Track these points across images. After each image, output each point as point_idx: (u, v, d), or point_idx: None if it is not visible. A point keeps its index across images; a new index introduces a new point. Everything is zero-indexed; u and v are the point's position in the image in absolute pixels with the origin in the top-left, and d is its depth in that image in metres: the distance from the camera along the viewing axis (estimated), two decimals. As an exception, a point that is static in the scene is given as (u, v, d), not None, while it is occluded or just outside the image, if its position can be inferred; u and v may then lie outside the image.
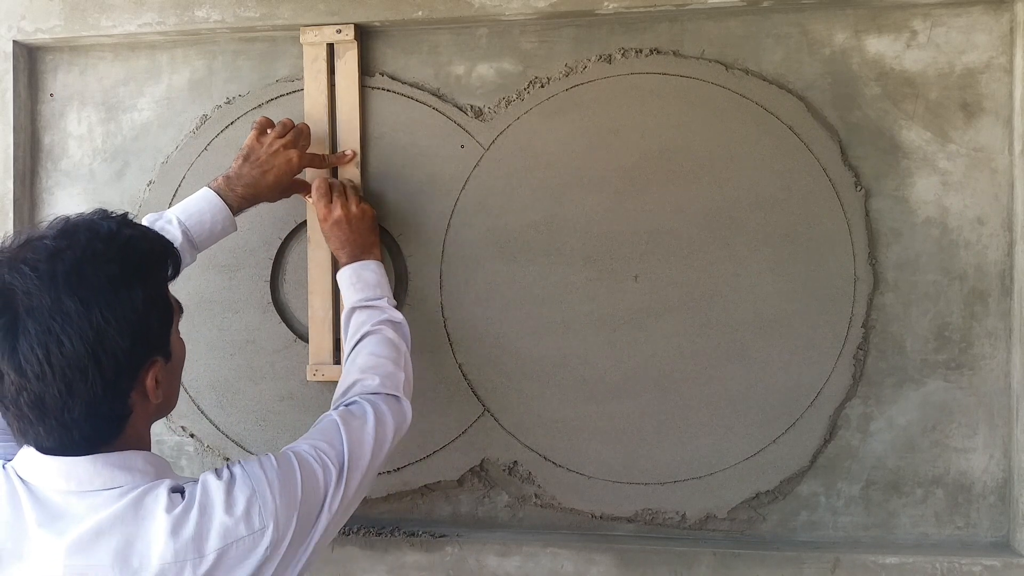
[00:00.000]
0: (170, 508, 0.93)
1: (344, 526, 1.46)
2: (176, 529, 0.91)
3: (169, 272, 1.01)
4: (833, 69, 1.38)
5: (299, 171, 1.39)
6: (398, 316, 1.33)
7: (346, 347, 1.31)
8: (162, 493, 0.94)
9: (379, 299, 1.34)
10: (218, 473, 0.98)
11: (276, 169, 1.36)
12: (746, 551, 1.37)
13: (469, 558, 1.42)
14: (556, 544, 1.41)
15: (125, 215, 0.99)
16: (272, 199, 1.40)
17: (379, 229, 1.45)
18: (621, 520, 1.44)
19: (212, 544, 0.92)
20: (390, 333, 1.29)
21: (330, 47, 1.46)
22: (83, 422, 0.91)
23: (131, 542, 0.91)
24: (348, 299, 1.36)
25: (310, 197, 1.44)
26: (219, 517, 0.93)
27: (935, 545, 1.37)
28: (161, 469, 0.99)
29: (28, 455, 0.95)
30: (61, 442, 0.92)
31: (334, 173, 1.48)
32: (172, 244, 1.03)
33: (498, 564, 1.41)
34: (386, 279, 1.39)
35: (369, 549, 1.44)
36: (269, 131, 1.39)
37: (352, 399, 1.18)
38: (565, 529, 1.46)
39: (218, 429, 1.53)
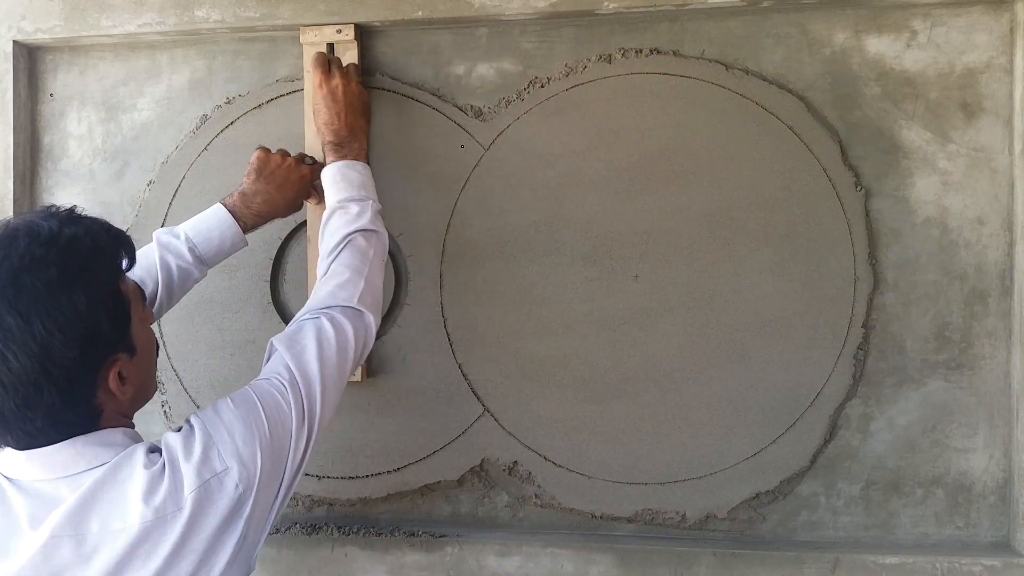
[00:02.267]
0: (148, 465, 0.93)
1: (345, 526, 1.47)
2: (152, 487, 0.91)
3: (124, 264, 0.98)
4: (833, 69, 1.38)
5: (312, 181, 1.40)
6: (375, 223, 1.28)
7: (320, 251, 1.27)
8: (139, 454, 0.94)
9: (362, 199, 1.30)
10: (179, 429, 0.98)
11: (293, 185, 1.37)
12: (746, 551, 1.37)
13: (469, 558, 1.42)
14: (556, 544, 1.41)
15: (71, 210, 0.97)
16: (286, 215, 1.41)
17: (370, 116, 1.43)
18: (621, 520, 1.44)
19: (185, 493, 0.92)
20: (360, 242, 1.25)
21: (331, 47, 1.46)
22: (48, 429, 0.91)
23: (113, 505, 0.91)
24: (330, 198, 1.31)
25: (311, 200, 1.44)
26: (183, 468, 0.93)
27: (935, 545, 1.37)
28: (142, 438, 1.00)
29: (8, 453, 0.95)
30: (30, 447, 0.92)
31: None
32: (122, 232, 1.00)
33: (498, 564, 1.41)
34: (371, 181, 1.35)
35: (369, 549, 1.44)
36: (274, 151, 1.39)
37: (305, 315, 1.15)
38: (565, 529, 1.46)
39: (218, 429, 1.53)
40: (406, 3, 1.42)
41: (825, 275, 1.38)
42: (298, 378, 1.05)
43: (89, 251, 0.93)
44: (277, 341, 1.10)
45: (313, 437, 1.05)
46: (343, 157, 1.34)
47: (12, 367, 0.86)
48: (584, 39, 1.44)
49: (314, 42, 1.45)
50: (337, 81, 1.36)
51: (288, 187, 1.36)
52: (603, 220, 1.43)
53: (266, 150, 1.38)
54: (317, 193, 1.42)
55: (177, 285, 1.31)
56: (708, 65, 1.40)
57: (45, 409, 0.89)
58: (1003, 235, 1.35)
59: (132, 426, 1.01)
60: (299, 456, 1.02)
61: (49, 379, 0.88)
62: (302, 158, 1.40)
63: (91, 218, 0.98)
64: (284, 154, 1.38)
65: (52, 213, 0.95)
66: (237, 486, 0.94)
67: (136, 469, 0.93)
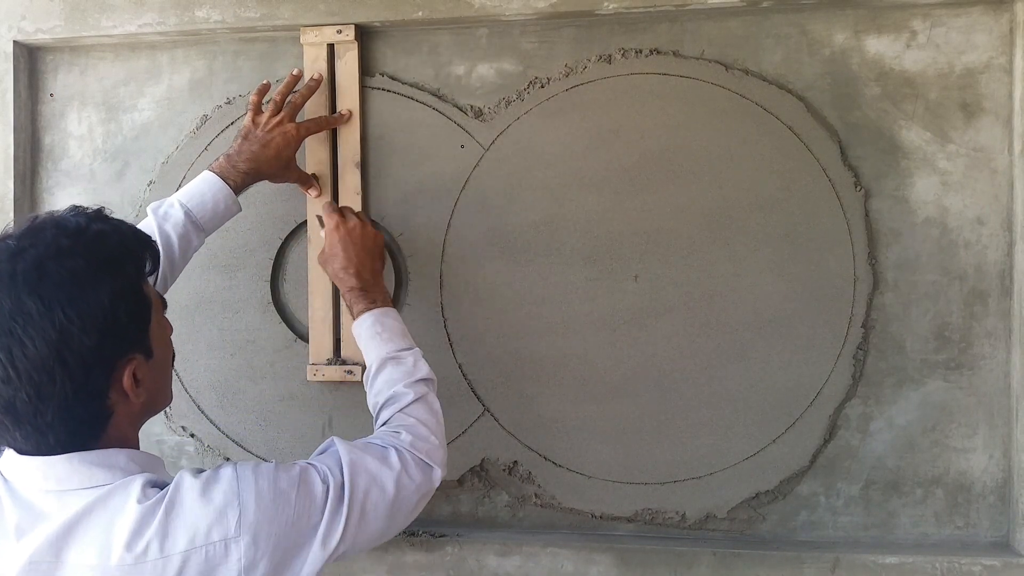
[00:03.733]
0: (142, 499, 0.88)
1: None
2: (140, 527, 0.87)
3: (147, 267, 0.97)
4: (833, 69, 1.38)
5: (299, 140, 1.39)
6: (431, 372, 1.23)
7: (374, 403, 1.20)
8: (136, 486, 0.89)
9: (410, 350, 1.23)
10: (200, 471, 0.93)
11: (275, 141, 1.36)
12: (746, 551, 1.37)
13: (469, 558, 1.42)
14: (556, 544, 1.41)
15: (100, 210, 0.96)
16: (275, 175, 1.39)
17: (384, 262, 1.39)
18: (621, 520, 1.45)
19: (178, 545, 0.87)
20: (434, 401, 1.19)
21: (331, 47, 1.46)
22: (58, 425, 0.88)
23: (94, 538, 0.87)
24: (375, 351, 1.23)
25: (312, 191, 1.44)
26: (187, 516, 0.88)
27: (935, 545, 1.37)
28: (149, 466, 0.95)
29: (10, 454, 0.93)
30: (38, 446, 0.90)
31: (334, 143, 1.47)
32: (150, 238, 0.99)
33: (498, 564, 1.41)
34: (405, 327, 1.28)
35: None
36: (265, 109, 1.39)
37: (382, 443, 1.08)
38: (565, 529, 1.46)
39: (218, 429, 1.54)
40: (406, 3, 1.43)
41: (825, 275, 1.38)
42: (346, 488, 0.97)
43: (116, 247, 0.93)
44: (340, 441, 1.03)
45: (337, 551, 0.95)
46: (372, 302, 1.27)
47: (29, 353, 0.85)
48: (584, 39, 1.44)
49: (314, 42, 1.46)
50: (355, 222, 1.32)
51: (271, 145, 1.35)
52: (603, 220, 1.43)
53: (256, 110, 1.38)
54: (304, 175, 1.42)
55: (179, 255, 1.30)
56: (708, 65, 1.40)
57: (57, 401, 0.87)
58: (1003, 235, 1.35)
59: (137, 445, 0.97)
60: (313, 564, 0.93)
61: (64, 368, 0.86)
62: (292, 113, 1.38)
63: (119, 219, 0.98)
64: (274, 111, 1.38)
65: (80, 211, 0.95)
66: (240, 560, 0.88)
67: (128, 503, 0.88)
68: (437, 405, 1.19)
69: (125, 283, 0.92)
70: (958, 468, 1.37)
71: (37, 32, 1.53)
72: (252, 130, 1.37)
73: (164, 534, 0.87)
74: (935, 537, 1.38)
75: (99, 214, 0.96)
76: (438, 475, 1.11)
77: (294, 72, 1.43)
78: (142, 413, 0.98)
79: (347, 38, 1.45)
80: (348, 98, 1.47)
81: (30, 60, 1.58)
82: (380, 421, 1.17)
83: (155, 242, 1.01)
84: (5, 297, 0.85)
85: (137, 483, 0.90)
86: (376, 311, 1.26)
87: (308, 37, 1.46)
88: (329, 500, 0.96)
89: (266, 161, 1.36)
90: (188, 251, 1.32)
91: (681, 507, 1.42)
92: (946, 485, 1.37)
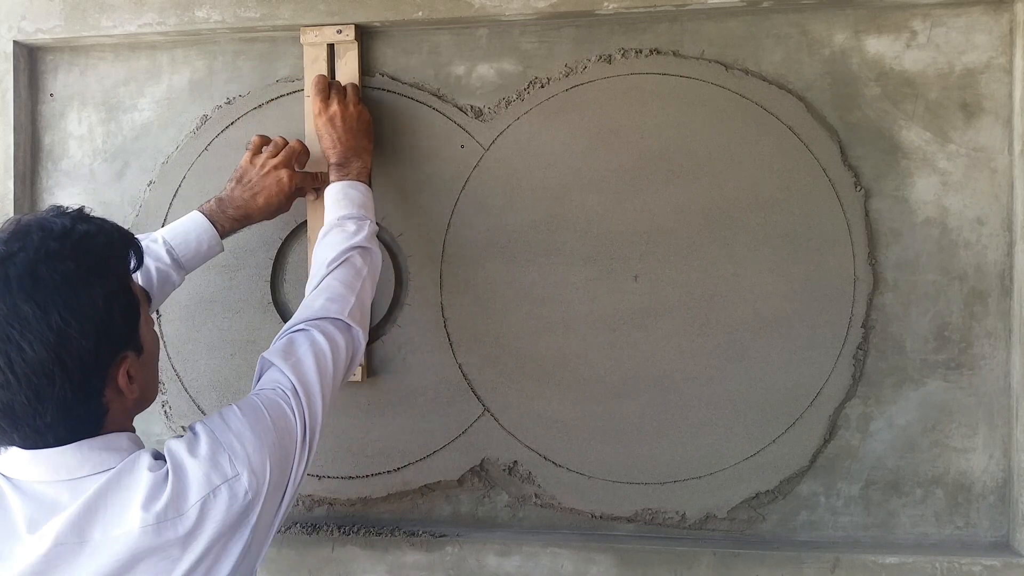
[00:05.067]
0: (153, 468, 0.93)
1: (345, 526, 1.47)
2: (154, 493, 0.91)
3: (132, 263, 0.99)
4: (833, 69, 1.38)
5: (291, 190, 1.38)
6: (370, 242, 1.31)
7: (313, 262, 1.29)
8: (145, 458, 0.94)
9: (360, 218, 1.32)
10: (176, 437, 0.98)
11: (266, 191, 1.36)
12: (746, 551, 1.37)
13: (469, 558, 1.42)
14: (556, 544, 1.41)
15: (80, 210, 0.97)
16: (265, 219, 1.41)
17: (372, 135, 1.43)
18: (621, 520, 1.45)
19: (189, 500, 0.91)
20: (356, 260, 1.27)
21: (331, 47, 1.46)
22: (57, 426, 0.90)
23: (115, 511, 0.90)
24: (329, 214, 1.33)
25: (311, 196, 1.44)
26: (190, 473, 0.93)
27: (935, 545, 1.37)
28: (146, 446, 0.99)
29: (13, 453, 0.94)
30: (36, 445, 0.92)
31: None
32: (132, 234, 1.01)
33: (498, 564, 1.42)
34: (372, 202, 1.37)
35: (369, 549, 1.44)
36: (265, 149, 1.39)
37: (296, 326, 1.16)
38: (565, 529, 1.46)
39: (218, 429, 1.53)
40: (406, 3, 1.43)
41: (825, 275, 1.38)
42: (299, 388, 1.05)
43: (103, 247, 0.94)
44: (270, 355, 1.10)
45: (315, 446, 1.05)
46: (345, 176, 1.37)
47: (27, 357, 0.86)
48: (584, 39, 1.44)
49: (314, 42, 1.46)
50: (335, 108, 1.38)
51: (262, 194, 1.36)
52: (603, 220, 1.43)
53: (255, 151, 1.39)
54: (312, 192, 1.43)
55: (157, 288, 1.31)
56: (708, 65, 1.40)
57: (56, 403, 0.88)
58: (1003, 235, 1.35)
59: (134, 430, 1.01)
60: (303, 464, 1.03)
61: (63, 370, 0.87)
62: (289, 157, 1.39)
63: (101, 218, 0.99)
64: (272, 152, 1.38)
65: (62, 212, 0.96)
66: (247, 493, 0.94)
67: (141, 474, 0.92)
68: (361, 263, 1.26)
69: (116, 283, 0.94)
70: (958, 468, 1.37)
71: (37, 32, 1.53)
72: (247, 171, 1.38)
73: (176, 493, 0.91)
74: (935, 537, 1.38)
75: (81, 214, 0.97)
76: (358, 332, 1.19)
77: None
78: (134, 407, 1.00)
79: (347, 38, 1.45)
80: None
81: (30, 60, 1.58)
82: (311, 284, 1.24)
83: (136, 237, 1.02)
84: (0, 303, 0.86)
85: (145, 456, 0.94)
86: (344, 182, 1.35)
87: (308, 37, 1.46)
88: (293, 406, 1.03)
89: (256, 210, 1.37)
90: (166, 286, 1.33)
91: (681, 507, 1.42)
92: (946, 485, 1.37)
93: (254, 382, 1.11)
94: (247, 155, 1.40)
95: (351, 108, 1.40)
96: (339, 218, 1.32)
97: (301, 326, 1.16)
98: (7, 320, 0.86)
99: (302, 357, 1.10)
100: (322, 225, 1.36)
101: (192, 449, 0.95)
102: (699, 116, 1.40)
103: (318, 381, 1.08)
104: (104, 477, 0.92)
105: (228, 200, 1.36)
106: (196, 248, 1.34)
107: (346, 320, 1.18)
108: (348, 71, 1.46)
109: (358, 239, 1.28)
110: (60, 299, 0.88)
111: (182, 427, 1.54)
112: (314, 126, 1.41)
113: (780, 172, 1.39)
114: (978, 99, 1.35)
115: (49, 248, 0.90)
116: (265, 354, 1.11)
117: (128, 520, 0.90)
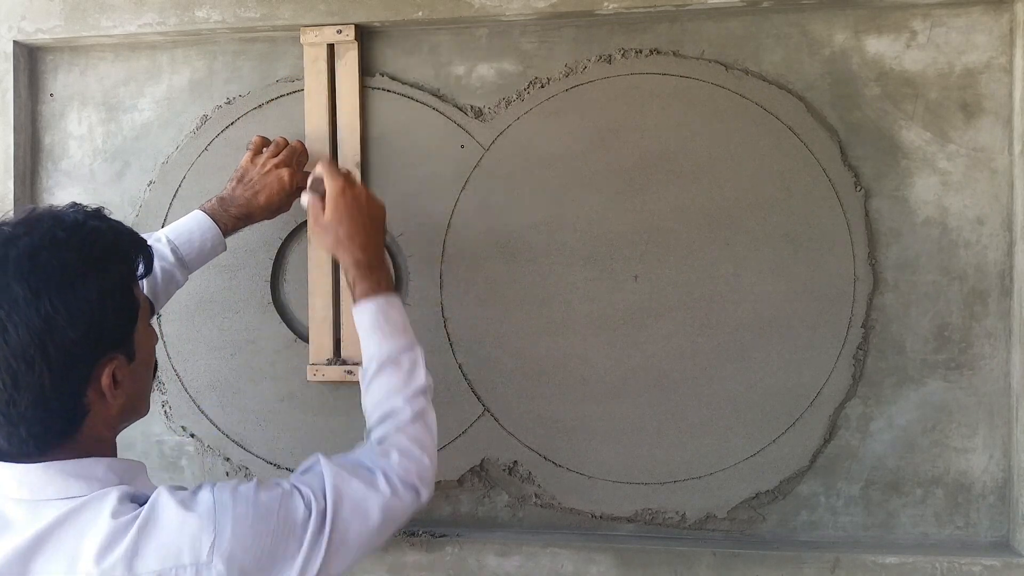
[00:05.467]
0: (117, 514, 0.86)
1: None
2: (110, 543, 0.84)
3: (140, 269, 0.97)
4: (833, 69, 1.38)
5: (292, 189, 1.37)
6: (429, 377, 1.16)
7: (370, 410, 1.13)
8: (111, 499, 0.87)
9: (410, 350, 1.15)
10: (178, 489, 0.91)
11: (267, 189, 1.36)
12: (746, 551, 1.37)
13: (469, 558, 1.42)
14: (556, 544, 1.41)
15: (99, 209, 0.97)
16: (266, 218, 1.40)
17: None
18: (621, 520, 1.45)
19: (147, 565, 0.84)
20: (430, 416, 1.13)
21: (331, 47, 1.46)
22: (31, 418, 0.86)
23: (62, 553, 0.85)
24: (375, 346, 1.14)
25: (306, 198, 1.42)
26: (161, 537, 0.85)
27: (935, 545, 1.37)
28: (128, 476, 0.93)
29: None
30: (9, 440, 0.87)
31: (334, 144, 1.47)
32: (144, 241, 0.99)
33: (498, 564, 1.41)
34: (407, 317, 1.19)
35: (369, 549, 1.44)
36: (265, 150, 1.39)
37: (369, 464, 1.05)
38: (565, 529, 1.46)
39: (218, 429, 1.54)
40: (406, 3, 1.43)
41: (825, 275, 1.38)
42: (329, 515, 0.94)
43: (109, 245, 0.93)
44: (326, 462, 0.99)
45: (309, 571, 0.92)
46: (377, 285, 1.16)
47: (11, 340, 0.84)
48: (584, 39, 1.44)
49: (315, 42, 1.46)
50: (361, 188, 1.22)
51: (263, 192, 1.35)
52: (603, 220, 1.43)
53: (256, 151, 1.39)
54: (313, 197, 1.41)
55: (161, 288, 1.28)
56: (708, 65, 1.40)
57: (33, 392, 0.85)
58: (1003, 235, 1.35)
59: (115, 451, 0.96)
60: None
61: (45, 358, 0.85)
62: (290, 157, 1.38)
63: (118, 220, 0.98)
64: (273, 152, 1.38)
65: (79, 208, 0.95)
66: None
67: (102, 516, 0.86)
68: (433, 418, 1.14)
69: (115, 281, 0.92)
70: (958, 468, 1.37)
71: (37, 32, 1.53)
72: (248, 171, 1.37)
73: (134, 552, 0.85)
74: (935, 537, 1.38)
75: (98, 212, 0.96)
76: (426, 496, 1.07)
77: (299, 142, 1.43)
78: (119, 417, 0.95)
79: (347, 38, 1.45)
80: (348, 98, 1.47)
81: (30, 60, 1.58)
82: (375, 436, 1.10)
83: (150, 246, 1.00)
84: None
85: (112, 496, 0.88)
86: (380, 299, 1.15)
87: (308, 37, 1.46)
88: (311, 529, 0.92)
89: (258, 208, 1.36)
90: (170, 287, 1.31)
91: (681, 507, 1.42)
92: (946, 485, 1.37)
93: (298, 469, 1.02)
94: (248, 155, 1.40)
95: (374, 196, 1.23)
96: (390, 354, 1.13)
97: (374, 462, 1.05)
98: None
99: (354, 487, 0.98)
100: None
101: (181, 514, 0.87)
102: (699, 116, 1.40)
103: (355, 526, 0.96)
104: (66, 507, 0.87)
105: (230, 199, 1.35)
106: (200, 247, 1.32)
107: (420, 488, 1.06)
108: (348, 71, 1.46)
109: (417, 382, 1.13)
110: (54, 286, 0.86)
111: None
112: (335, 209, 1.18)
113: (780, 172, 1.39)
114: (978, 99, 1.35)
115: (56, 236, 0.89)
116: (323, 457, 1.01)
117: (74, 567, 0.84)
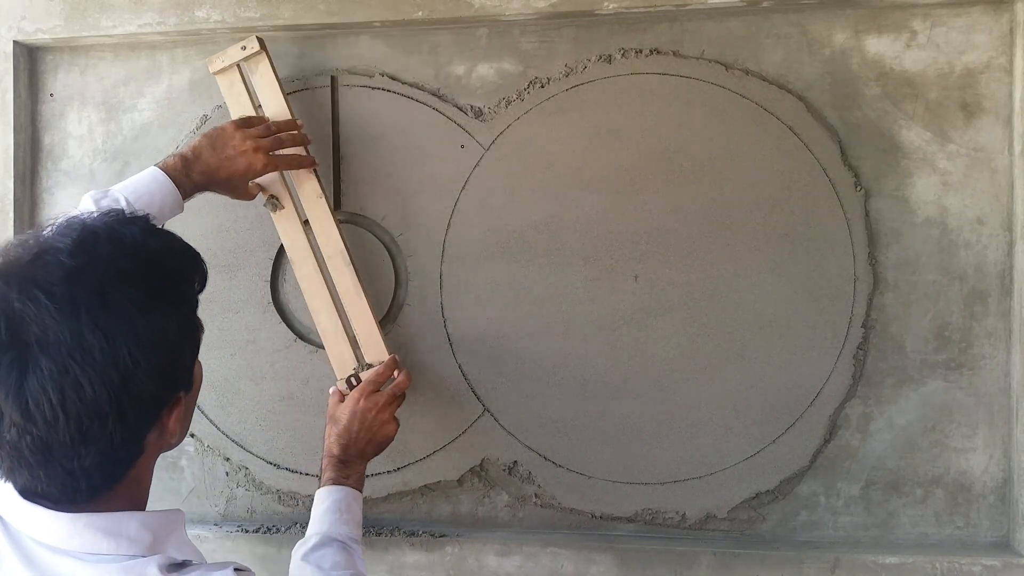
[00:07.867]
0: None
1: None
2: None
3: (197, 288, 0.88)
4: (833, 69, 1.38)
5: (259, 174, 1.33)
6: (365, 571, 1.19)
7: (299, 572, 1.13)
8: (151, 570, 0.80)
9: (359, 545, 1.21)
10: (238, 569, 0.85)
11: (236, 166, 1.29)
12: (746, 551, 1.37)
13: (469, 558, 1.42)
14: (556, 544, 1.41)
15: (146, 219, 0.85)
16: (223, 193, 1.35)
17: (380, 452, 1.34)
18: (621, 520, 1.44)
19: None
20: None
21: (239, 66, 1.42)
22: (93, 471, 0.78)
23: None
24: (330, 525, 1.18)
25: (273, 205, 1.40)
26: None
27: (935, 545, 1.37)
28: (164, 530, 0.85)
29: (7, 490, 0.82)
30: (63, 491, 0.79)
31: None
32: (199, 256, 0.88)
33: (498, 564, 1.41)
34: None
35: (369, 549, 1.44)
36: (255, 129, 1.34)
37: None
38: (565, 529, 1.46)
39: (218, 429, 1.54)
40: (406, 3, 1.43)
41: (825, 275, 1.38)
42: None
43: (175, 271, 0.83)
44: None
45: None
46: (346, 478, 1.23)
47: (85, 396, 0.74)
48: (584, 39, 1.44)
49: (223, 68, 1.42)
50: (373, 404, 1.28)
51: (228, 167, 1.28)
52: (603, 220, 1.43)
53: (246, 125, 1.33)
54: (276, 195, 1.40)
55: None
56: (708, 65, 1.40)
57: (101, 446, 0.77)
58: (1003, 235, 1.35)
59: (149, 483, 0.88)
60: None
61: (119, 413, 0.76)
62: (274, 145, 1.32)
63: (168, 232, 0.87)
64: (262, 132, 1.33)
65: (130, 219, 0.83)
66: None
67: None
68: None
69: (186, 315, 0.83)
70: (958, 468, 1.37)
71: (37, 32, 1.53)
72: (228, 139, 1.30)
73: None
74: (935, 537, 1.38)
75: (150, 225, 0.84)
76: None
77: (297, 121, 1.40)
78: (166, 447, 0.89)
79: (253, 51, 1.40)
80: (275, 107, 1.41)
81: (30, 60, 1.58)
82: None
83: (203, 260, 0.89)
84: (63, 328, 0.73)
85: (152, 569, 0.80)
86: (348, 490, 1.22)
87: (216, 65, 1.41)
88: None
89: (219, 182, 1.31)
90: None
91: (681, 507, 1.42)
92: (946, 485, 1.37)
93: None
94: (233, 123, 1.33)
95: (385, 415, 1.28)
96: (350, 538, 1.18)
97: None
98: (69, 352, 0.73)
99: None
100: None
101: None
102: (699, 116, 1.40)
103: None
104: (92, 570, 0.79)
105: (194, 161, 1.27)
106: (160, 210, 1.22)
107: None
108: (266, 84, 1.42)
109: (360, 568, 1.16)
110: (132, 333, 0.75)
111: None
112: (337, 408, 1.29)
113: (780, 172, 1.39)
114: (978, 99, 1.35)
115: (121, 267, 0.77)
116: None
117: None
